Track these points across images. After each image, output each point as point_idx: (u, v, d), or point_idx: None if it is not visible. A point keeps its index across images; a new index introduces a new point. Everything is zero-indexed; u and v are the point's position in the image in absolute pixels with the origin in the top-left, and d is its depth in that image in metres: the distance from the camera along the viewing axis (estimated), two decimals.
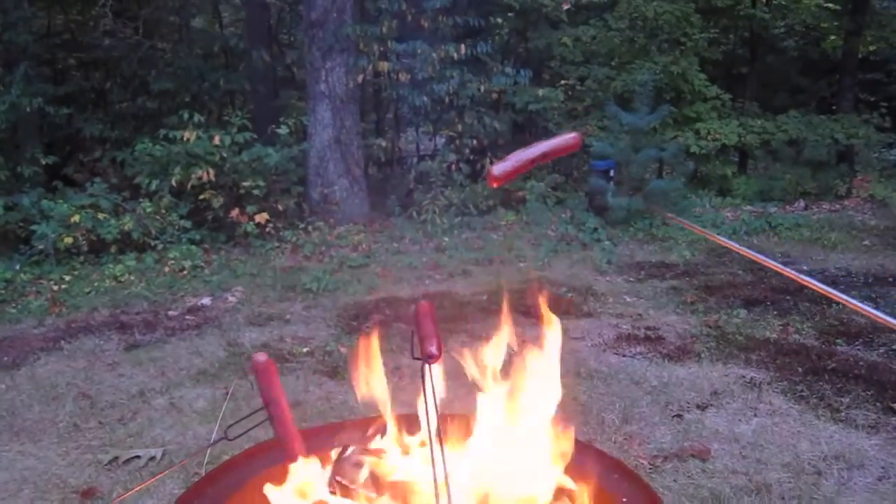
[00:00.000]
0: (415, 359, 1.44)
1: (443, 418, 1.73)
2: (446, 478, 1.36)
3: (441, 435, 1.39)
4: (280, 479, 1.62)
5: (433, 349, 1.41)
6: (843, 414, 3.47)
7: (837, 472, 2.95)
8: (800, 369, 4.04)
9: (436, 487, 1.36)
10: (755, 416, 3.47)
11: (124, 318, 5.41)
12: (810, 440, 3.22)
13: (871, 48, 13.69)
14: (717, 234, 7.88)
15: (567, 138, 1.49)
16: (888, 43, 13.38)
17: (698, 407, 3.59)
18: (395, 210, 8.54)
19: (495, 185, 1.44)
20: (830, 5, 12.83)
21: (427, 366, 1.40)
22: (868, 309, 1.13)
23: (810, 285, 1.18)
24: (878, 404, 3.56)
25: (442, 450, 1.37)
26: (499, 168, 1.41)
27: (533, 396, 1.68)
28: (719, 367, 4.10)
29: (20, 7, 9.11)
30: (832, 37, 13.40)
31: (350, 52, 8.66)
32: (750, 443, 3.20)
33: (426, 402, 1.41)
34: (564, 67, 10.96)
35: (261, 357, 1.47)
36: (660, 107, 8.94)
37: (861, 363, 4.11)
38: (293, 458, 1.51)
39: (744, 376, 3.95)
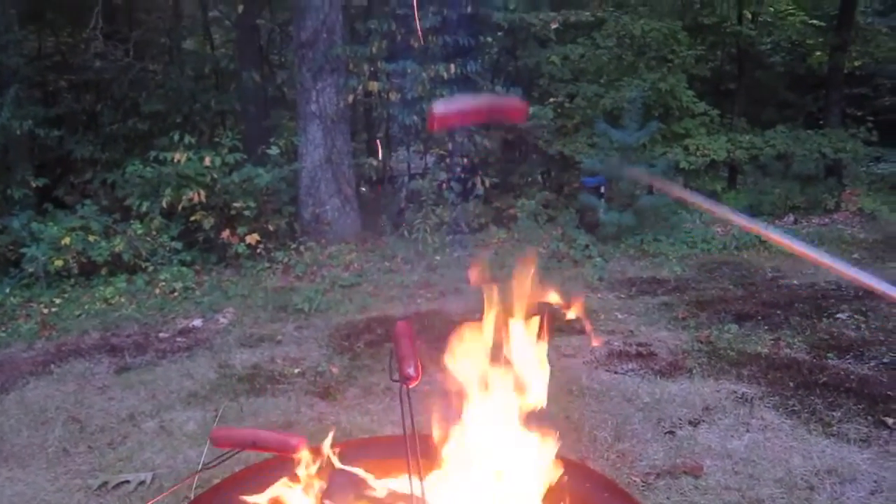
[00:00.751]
0: (393, 381, 1.44)
1: (424, 438, 1.73)
2: (423, 496, 1.36)
3: (418, 455, 1.39)
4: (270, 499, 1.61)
5: (411, 371, 1.40)
6: (834, 428, 3.48)
7: (830, 486, 2.95)
8: (791, 384, 4.04)
9: None
10: (747, 431, 3.47)
11: (115, 341, 5.38)
12: (802, 455, 3.22)
13: (857, 63, 13.82)
14: (708, 249, 7.91)
15: (514, 101, 1.47)
16: (873, 58, 13.52)
17: (690, 423, 3.58)
18: (387, 229, 8.54)
19: (434, 128, 1.42)
20: (816, 21, 12.97)
21: (405, 387, 1.40)
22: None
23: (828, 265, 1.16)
24: (869, 418, 3.57)
25: (419, 470, 1.37)
26: (440, 108, 1.38)
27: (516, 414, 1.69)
28: (711, 383, 4.11)
29: (11, 30, 9.14)
30: (818, 52, 13.53)
31: (340, 72, 8.70)
32: (742, 458, 3.20)
33: (404, 423, 1.40)
34: (553, 85, 11.02)
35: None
36: (648, 123, 8.99)
37: (852, 377, 4.12)
38: None
39: (735, 391, 3.95)
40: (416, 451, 1.39)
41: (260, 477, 1.74)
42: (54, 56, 11.35)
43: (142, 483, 3.14)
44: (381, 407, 3.89)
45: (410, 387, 1.41)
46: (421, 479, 1.36)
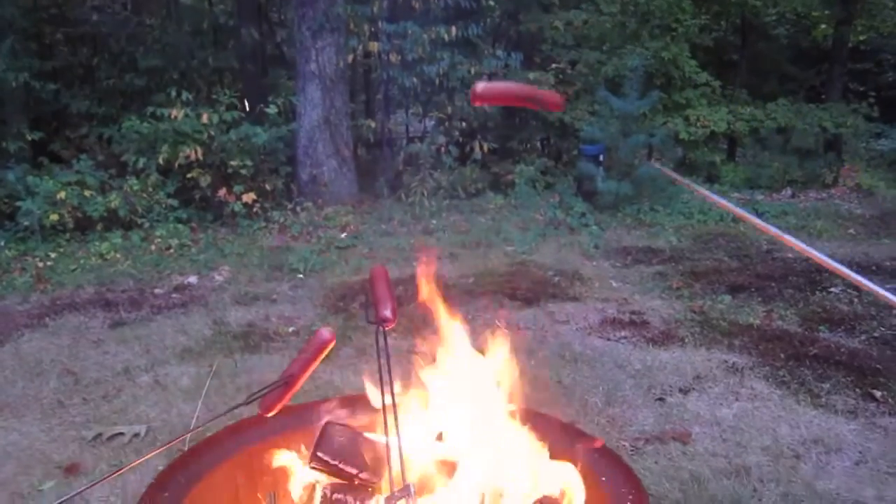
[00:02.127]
0: (369, 322, 1.44)
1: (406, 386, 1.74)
2: (400, 445, 1.37)
3: (394, 400, 1.39)
4: (262, 456, 1.63)
5: (387, 312, 1.41)
6: (823, 399, 3.51)
7: (816, 455, 2.99)
8: (782, 355, 4.07)
9: (388, 452, 1.36)
10: (737, 400, 3.51)
11: (110, 296, 5.39)
12: (790, 424, 3.25)
13: (862, 38, 13.72)
14: (704, 221, 7.92)
15: (553, 95, 1.50)
16: (878, 32, 13.41)
17: (681, 391, 3.62)
18: (384, 192, 8.52)
19: (476, 103, 1.46)
20: None
21: (381, 329, 1.40)
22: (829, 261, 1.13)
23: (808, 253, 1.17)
24: (857, 390, 3.61)
25: (395, 416, 1.37)
26: (482, 86, 1.42)
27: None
28: (703, 352, 4.14)
29: None
30: (823, 25, 13.41)
31: (340, 31, 8.60)
32: (731, 426, 3.23)
33: (379, 366, 1.41)
34: (555, 51, 10.94)
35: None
36: (650, 92, 8.94)
37: (842, 350, 4.15)
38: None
39: (726, 361, 3.99)
40: (392, 394, 1.39)
41: (253, 431, 1.76)
42: (50, 8, 11.18)
43: (136, 435, 3.17)
44: (375, 367, 3.91)
45: (387, 329, 1.41)
46: (397, 427, 1.37)
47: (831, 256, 6.62)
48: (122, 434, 3.18)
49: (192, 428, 3.11)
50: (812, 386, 3.67)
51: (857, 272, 5.92)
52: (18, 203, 6.88)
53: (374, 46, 8.61)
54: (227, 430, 1.79)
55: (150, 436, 3.18)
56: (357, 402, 1.81)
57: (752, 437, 3.14)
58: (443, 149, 8.76)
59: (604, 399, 3.51)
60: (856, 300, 5.09)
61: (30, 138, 8.48)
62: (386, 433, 1.37)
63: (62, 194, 6.88)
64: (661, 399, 3.52)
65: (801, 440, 3.11)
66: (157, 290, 5.56)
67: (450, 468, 1.58)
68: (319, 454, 1.51)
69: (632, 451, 3.02)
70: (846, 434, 3.17)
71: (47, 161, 8.03)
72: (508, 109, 10.90)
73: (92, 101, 9.74)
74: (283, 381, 1.35)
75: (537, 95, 1.49)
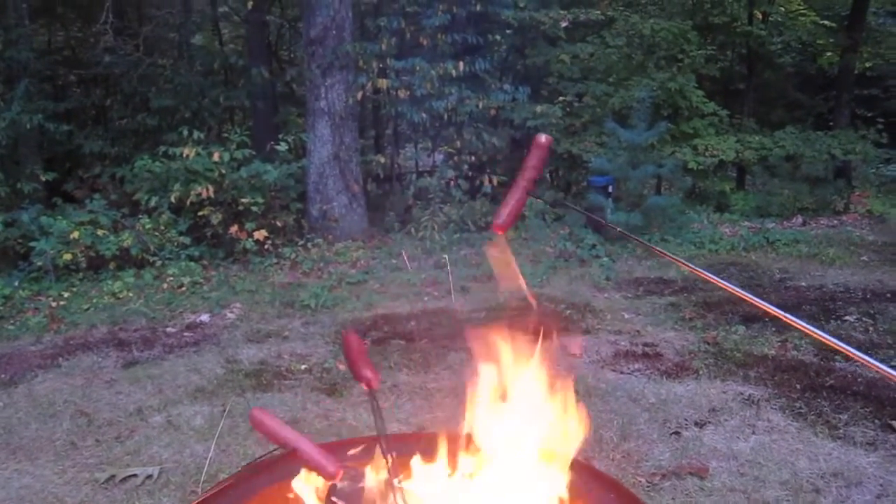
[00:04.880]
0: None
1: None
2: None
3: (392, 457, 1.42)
4: (276, 500, 1.62)
5: (368, 373, 1.44)
6: (841, 431, 3.47)
7: (836, 489, 2.94)
8: (798, 386, 4.03)
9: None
10: (753, 433, 3.47)
11: (122, 335, 5.40)
12: (809, 457, 3.21)
13: (868, 64, 13.78)
14: (716, 250, 7.90)
15: (539, 144, 1.51)
16: (884, 59, 13.47)
17: (696, 424, 3.58)
18: (394, 226, 8.54)
19: (500, 232, 1.48)
20: (827, 22, 12.92)
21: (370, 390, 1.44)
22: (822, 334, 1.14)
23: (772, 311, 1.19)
24: (876, 421, 3.56)
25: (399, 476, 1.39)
26: (500, 216, 1.45)
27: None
28: (717, 384, 4.10)
29: (21, 24, 9.18)
30: (829, 53, 13.48)
31: (349, 69, 8.71)
32: (748, 460, 3.19)
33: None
34: (562, 84, 11.02)
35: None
36: (657, 123, 8.97)
37: (860, 380, 4.10)
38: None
39: (742, 393, 3.95)
40: (392, 456, 1.42)
41: (266, 475, 1.75)
42: (64, 50, 11.41)
43: (149, 477, 3.16)
44: (387, 404, 3.90)
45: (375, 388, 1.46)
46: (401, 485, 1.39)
47: (845, 284, 6.60)
48: (135, 476, 3.17)
49: (204, 470, 3.10)
50: (830, 417, 3.62)
51: (873, 300, 5.89)
52: (32, 243, 6.94)
53: (383, 83, 8.69)
54: (238, 474, 1.78)
55: (163, 477, 3.17)
56: (370, 445, 1.80)
57: (771, 471, 3.10)
58: (452, 182, 8.79)
59: (619, 434, 3.48)
60: (871, 329, 5.04)
61: (44, 179, 8.58)
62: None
63: (75, 234, 6.94)
64: (676, 433, 3.49)
65: (820, 473, 3.07)
66: (169, 329, 5.57)
67: None
68: (334, 499, 1.51)
69: (648, 487, 2.99)
70: (866, 467, 3.12)
71: (61, 201, 8.12)
72: (518, 142, 10.97)
73: (105, 141, 9.87)
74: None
75: (531, 164, 1.51)
